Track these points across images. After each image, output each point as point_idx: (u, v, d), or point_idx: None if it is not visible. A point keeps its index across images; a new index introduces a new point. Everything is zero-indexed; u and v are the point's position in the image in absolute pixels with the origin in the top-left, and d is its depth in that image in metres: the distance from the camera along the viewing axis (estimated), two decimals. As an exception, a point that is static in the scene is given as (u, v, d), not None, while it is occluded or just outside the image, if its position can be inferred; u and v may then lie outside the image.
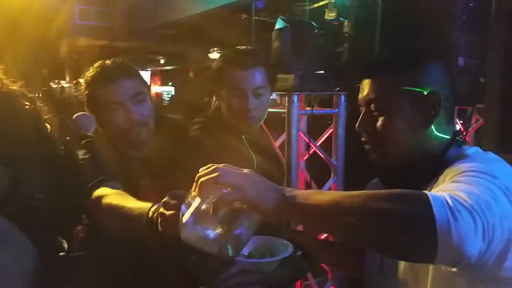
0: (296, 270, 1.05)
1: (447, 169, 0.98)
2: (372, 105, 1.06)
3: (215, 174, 0.81)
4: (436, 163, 1.03)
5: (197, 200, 0.84)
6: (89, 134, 1.51)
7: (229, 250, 0.84)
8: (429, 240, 0.71)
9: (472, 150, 1.06)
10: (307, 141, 2.41)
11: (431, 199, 0.73)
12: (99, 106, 1.48)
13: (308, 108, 2.38)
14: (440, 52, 1.79)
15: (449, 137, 1.06)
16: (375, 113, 1.05)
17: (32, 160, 1.06)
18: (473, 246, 0.72)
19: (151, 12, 6.84)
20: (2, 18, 4.84)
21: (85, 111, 1.49)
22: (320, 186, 2.56)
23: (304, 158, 2.59)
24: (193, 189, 0.84)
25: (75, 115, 1.44)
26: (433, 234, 0.70)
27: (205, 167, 0.85)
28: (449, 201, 0.73)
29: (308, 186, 2.53)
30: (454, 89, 1.08)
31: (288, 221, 0.86)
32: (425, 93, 1.02)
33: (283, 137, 2.47)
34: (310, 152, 2.43)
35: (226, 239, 0.83)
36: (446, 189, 0.81)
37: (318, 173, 2.65)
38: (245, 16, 6.79)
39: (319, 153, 2.53)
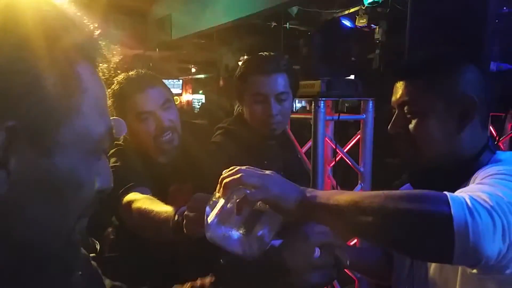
0: (326, 276, 1.03)
1: (476, 173, 0.97)
2: (406, 108, 1.06)
3: (239, 175, 0.82)
4: (468, 167, 1.02)
5: (221, 201, 0.85)
6: (119, 139, 1.57)
7: (253, 250, 0.84)
8: (447, 240, 0.71)
9: (506, 155, 1.04)
10: (334, 147, 2.39)
11: (449, 199, 0.73)
12: (128, 117, 1.49)
13: (335, 114, 2.37)
14: (472, 57, 1.76)
15: (483, 143, 1.04)
16: (409, 116, 1.05)
17: None
18: (492, 246, 0.71)
19: (182, 22, 6.98)
20: (34, 29, 5.04)
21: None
22: (347, 193, 2.53)
23: (331, 165, 2.57)
24: (217, 190, 0.86)
25: None
26: (450, 233, 0.71)
27: (228, 169, 0.87)
28: (468, 201, 0.73)
29: (335, 193, 2.50)
30: (489, 94, 1.06)
31: (309, 220, 0.86)
32: (460, 97, 1.01)
33: (309, 143, 2.46)
34: (337, 158, 2.41)
35: (249, 239, 0.84)
36: (468, 190, 0.81)
37: (345, 180, 2.63)
38: (275, 24, 6.84)
39: (346, 159, 2.51)
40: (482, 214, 0.72)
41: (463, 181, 1.00)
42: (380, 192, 0.79)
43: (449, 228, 0.71)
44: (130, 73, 1.55)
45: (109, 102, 1.53)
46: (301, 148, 2.50)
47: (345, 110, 2.84)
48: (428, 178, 1.07)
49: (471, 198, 0.74)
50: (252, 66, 1.55)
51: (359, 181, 2.50)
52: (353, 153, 2.52)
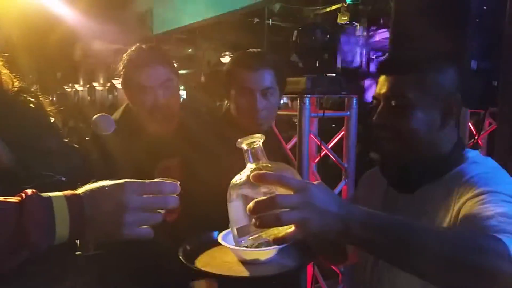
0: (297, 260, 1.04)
1: (457, 184, 1.01)
2: (393, 101, 1.08)
3: (277, 208, 0.70)
4: (443, 163, 1.08)
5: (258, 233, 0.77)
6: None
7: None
8: None
9: (473, 153, 1.10)
10: (319, 143, 2.41)
11: (510, 252, 0.71)
12: (132, 86, 1.62)
13: (319, 111, 2.39)
14: (453, 55, 1.79)
15: (455, 140, 1.11)
16: (396, 109, 1.08)
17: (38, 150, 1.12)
18: None
19: (163, 17, 6.90)
20: (17, 24, 4.93)
21: (103, 113, 1.53)
22: (331, 188, 2.55)
23: (316, 161, 2.59)
24: (248, 210, 0.72)
25: (94, 116, 1.48)
26: None
27: (261, 183, 0.75)
28: None
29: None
30: (464, 93, 1.11)
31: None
32: (445, 94, 1.06)
33: (294, 139, 2.48)
34: (322, 154, 2.43)
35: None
36: (503, 229, 0.79)
37: (329, 175, 2.65)
38: (258, 20, 6.83)
39: (330, 155, 2.53)
40: None
41: (435, 178, 1.07)
42: (428, 227, 0.78)
43: None
44: (143, 46, 1.66)
45: (120, 70, 1.69)
46: (286, 144, 2.52)
47: (329, 107, 2.86)
48: (402, 171, 1.12)
49: None
50: (239, 61, 1.56)
51: (343, 177, 2.53)
52: (338, 149, 2.55)
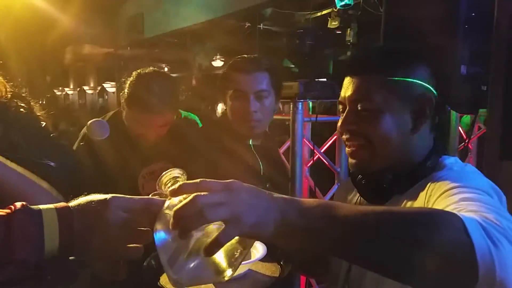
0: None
1: (429, 183, 0.94)
2: (359, 105, 1.00)
3: (199, 207, 0.61)
4: (416, 171, 0.99)
5: (178, 241, 0.65)
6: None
7: (231, 273, 0.69)
8: (468, 275, 0.62)
9: (451, 160, 1.02)
10: (312, 148, 2.43)
11: (465, 223, 0.64)
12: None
13: (312, 115, 2.41)
14: (443, 60, 1.82)
15: (430, 146, 1.03)
16: (363, 113, 1.00)
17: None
18: None
19: (154, 20, 6.90)
20: (6, 26, 4.89)
21: (94, 116, 1.54)
22: (324, 192, 2.57)
23: (308, 165, 2.61)
24: (170, 225, 0.63)
25: (89, 122, 1.49)
26: (473, 265, 0.61)
27: (180, 195, 0.66)
28: (484, 225, 0.65)
29: (312, 193, 2.55)
30: (442, 97, 1.04)
31: (294, 245, 0.73)
32: (416, 95, 0.98)
33: (287, 144, 2.49)
34: (314, 159, 2.45)
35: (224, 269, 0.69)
36: (460, 207, 0.73)
37: (322, 179, 2.67)
38: (249, 24, 6.85)
39: (323, 160, 2.55)
40: (503, 241, 0.63)
41: (410, 186, 0.98)
42: (386, 212, 0.67)
43: (472, 259, 0.61)
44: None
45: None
46: (279, 148, 2.53)
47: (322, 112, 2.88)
48: (374, 180, 1.03)
49: (484, 221, 0.66)
50: (234, 65, 1.58)
51: (336, 181, 2.55)
52: (331, 154, 2.57)
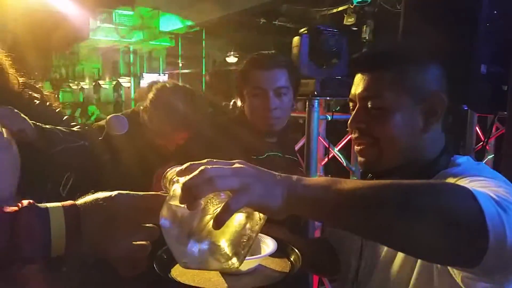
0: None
1: (439, 179, 0.91)
2: (370, 102, 0.97)
3: (208, 176, 0.62)
4: (426, 170, 0.96)
5: (187, 214, 0.64)
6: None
7: (237, 263, 0.69)
8: (479, 236, 0.61)
9: (463, 159, 0.99)
10: (327, 146, 2.42)
11: (473, 192, 0.63)
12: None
13: (328, 113, 2.39)
14: (462, 59, 1.79)
15: (442, 146, 1.00)
16: (373, 111, 0.97)
17: None
18: None
19: (170, 16, 6.93)
20: (24, 21, 4.96)
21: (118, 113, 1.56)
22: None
23: (323, 163, 2.59)
24: (179, 199, 0.64)
25: (108, 117, 1.50)
26: (483, 229, 0.60)
27: (185, 166, 0.66)
28: (492, 195, 0.65)
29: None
30: (460, 96, 1.03)
31: (300, 215, 0.71)
32: (428, 94, 0.95)
33: (302, 141, 2.48)
34: (329, 157, 2.44)
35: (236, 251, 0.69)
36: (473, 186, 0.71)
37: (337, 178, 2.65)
38: (264, 20, 6.85)
39: (338, 158, 2.54)
40: (511, 208, 0.62)
41: None
42: (387, 182, 0.66)
43: (481, 223, 0.60)
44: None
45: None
46: (294, 145, 2.53)
47: (338, 110, 2.86)
48: (384, 179, 0.99)
49: (492, 192, 0.65)
50: (253, 62, 1.57)
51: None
52: (346, 152, 2.55)
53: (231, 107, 1.73)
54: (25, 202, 0.67)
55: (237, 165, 0.66)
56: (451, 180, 0.85)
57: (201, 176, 0.61)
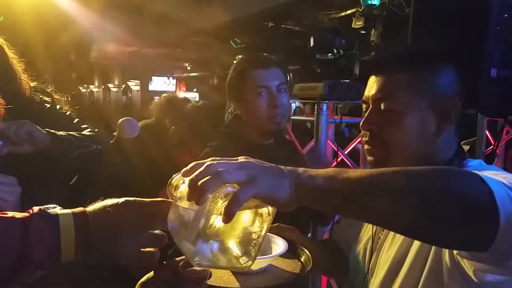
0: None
1: None
2: (383, 104, 0.97)
3: (215, 170, 0.62)
4: None
5: (194, 212, 0.64)
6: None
7: (248, 262, 0.69)
8: (490, 218, 0.61)
9: (475, 162, 0.99)
10: (335, 149, 2.41)
11: (482, 176, 0.64)
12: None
13: (336, 117, 2.39)
14: (472, 62, 1.78)
15: (454, 149, 0.99)
16: (386, 113, 0.96)
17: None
18: None
19: (179, 20, 6.96)
20: (34, 25, 5.01)
21: (128, 116, 1.57)
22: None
23: (332, 166, 2.59)
24: (186, 196, 0.64)
25: (120, 120, 1.52)
26: (493, 210, 0.60)
27: (192, 168, 0.65)
28: (502, 180, 0.65)
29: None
30: (470, 100, 1.00)
31: (309, 206, 0.73)
32: (443, 97, 0.95)
33: (310, 144, 2.48)
34: (338, 160, 2.43)
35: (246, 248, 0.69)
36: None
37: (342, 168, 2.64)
38: (272, 24, 6.86)
39: (347, 161, 2.53)
40: None
41: None
42: (396, 169, 0.66)
43: (492, 206, 0.60)
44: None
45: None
46: (302, 149, 2.52)
47: (346, 113, 2.86)
48: None
49: (501, 178, 0.65)
50: (250, 62, 1.58)
51: (359, 183, 2.53)
52: (354, 156, 2.54)
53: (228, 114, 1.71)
54: (36, 209, 0.68)
55: (242, 159, 0.66)
56: None
57: (207, 170, 0.62)
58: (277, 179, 0.64)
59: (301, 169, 0.67)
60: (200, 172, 0.62)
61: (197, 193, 0.61)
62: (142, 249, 0.72)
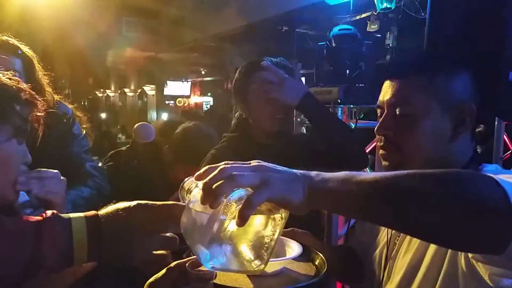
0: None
1: None
2: (398, 109, 0.96)
3: (228, 174, 0.63)
4: None
5: (207, 216, 0.64)
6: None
7: (261, 265, 0.70)
8: (504, 219, 0.61)
9: (492, 167, 0.97)
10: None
11: (496, 179, 0.63)
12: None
13: (351, 121, 2.38)
14: (489, 66, 1.76)
15: (469, 155, 0.98)
16: (401, 118, 0.96)
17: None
18: None
19: (195, 25, 7.02)
20: (52, 30, 5.09)
21: (144, 121, 1.60)
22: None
23: (346, 171, 2.58)
24: (201, 200, 0.64)
25: (136, 125, 1.54)
26: (508, 211, 0.60)
27: (206, 172, 0.66)
28: None
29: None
30: (487, 105, 1.02)
31: (323, 210, 0.71)
32: (458, 102, 0.94)
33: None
34: (353, 164, 2.42)
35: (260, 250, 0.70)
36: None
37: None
38: (286, 28, 6.87)
39: (361, 166, 2.51)
40: None
41: None
42: (410, 172, 0.65)
43: (506, 207, 0.60)
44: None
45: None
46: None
47: (361, 117, 2.85)
48: None
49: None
50: (254, 64, 1.58)
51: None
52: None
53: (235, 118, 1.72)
54: (49, 212, 0.69)
55: (254, 162, 0.66)
56: None
57: (221, 174, 0.62)
58: (290, 183, 0.65)
59: (314, 173, 0.67)
60: (214, 175, 0.63)
61: (211, 197, 0.62)
62: (154, 252, 0.73)
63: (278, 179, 0.64)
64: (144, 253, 0.71)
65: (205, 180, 0.63)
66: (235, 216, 0.62)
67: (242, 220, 0.61)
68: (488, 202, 0.62)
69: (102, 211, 0.71)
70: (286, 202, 0.65)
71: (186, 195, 0.73)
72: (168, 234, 0.73)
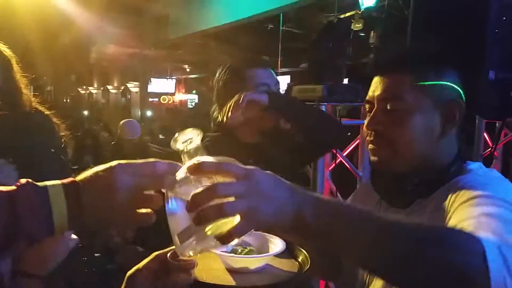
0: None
1: (453, 187, 0.91)
2: (389, 104, 0.97)
3: (218, 201, 0.62)
4: (440, 176, 0.97)
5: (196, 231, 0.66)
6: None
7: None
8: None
9: (475, 165, 0.99)
10: (334, 151, 2.42)
11: (485, 249, 0.64)
12: None
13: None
14: (470, 64, 1.79)
15: (455, 152, 1.00)
16: (392, 113, 0.97)
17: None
18: None
19: (179, 21, 6.97)
20: (33, 26, 5.00)
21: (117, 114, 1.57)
22: (345, 196, 2.55)
23: (330, 168, 2.59)
24: (187, 208, 0.64)
25: (121, 121, 1.51)
26: (486, 283, 0.61)
27: (199, 174, 0.66)
28: (504, 252, 0.65)
29: (333, 196, 2.53)
30: (468, 103, 1.00)
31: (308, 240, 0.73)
32: (447, 99, 0.96)
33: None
34: (337, 162, 2.44)
35: None
36: (483, 227, 0.72)
37: (344, 183, 2.65)
38: (271, 26, 6.86)
39: (345, 163, 2.53)
40: None
41: (432, 192, 0.96)
42: (401, 224, 0.67)
43: (485, 280, 0.61)
44: None
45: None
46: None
47: (345, 115, 2.86)
48: (396, 183, 1.01)
49: (504, 245, 0.66)
50: (247, 61, 1.58)
51: (358, 185, 2.53)
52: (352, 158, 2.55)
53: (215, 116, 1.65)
54: (23, 181, 0.67)
55: (251, 176, 0.64)
56: (465, 193, 0.86)
57: (209, 197, 0.62)
58: (280, 210, 0.64)
59: (307, 199, 0.66)
60: (204, 194, 0.62)
61: (197, 217, 0.62)
62: (137, 210, 0.71)
63: (268, 206, 0.63)
64: (126, 211, 0.70)
65: (194, 193, 0.62)
66: (218, 227, 0.63)
67: (224, 243, 0.63)
68: (469, 277, 0.63)
69: (80, 177, 0.69)
70: (272, 227, 0.67)
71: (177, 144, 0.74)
72: (151, 192, 0.71)
